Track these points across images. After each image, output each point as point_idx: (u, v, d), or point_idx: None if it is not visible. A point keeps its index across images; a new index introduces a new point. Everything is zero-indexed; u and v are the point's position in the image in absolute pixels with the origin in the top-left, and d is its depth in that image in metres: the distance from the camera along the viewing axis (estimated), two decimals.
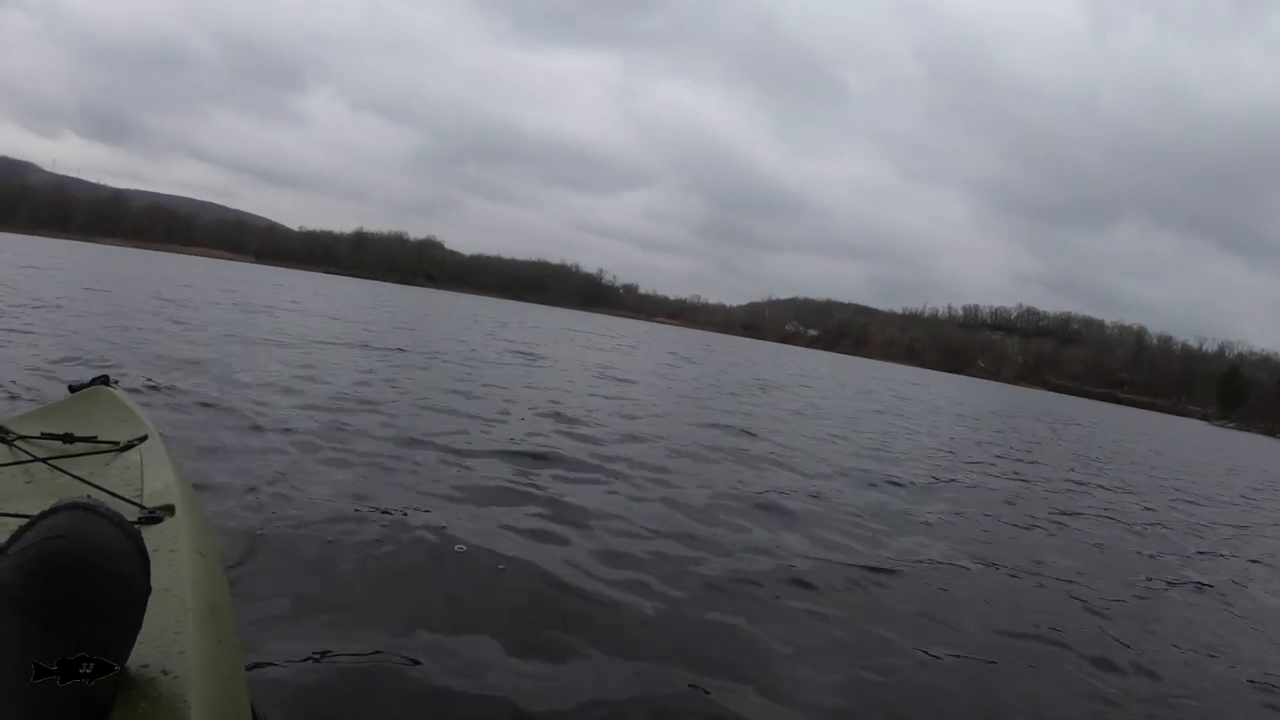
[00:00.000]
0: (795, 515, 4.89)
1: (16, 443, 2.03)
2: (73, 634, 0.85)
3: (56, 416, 2.48)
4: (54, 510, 0.89)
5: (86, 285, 18.23)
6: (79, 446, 2.07)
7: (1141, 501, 8.58)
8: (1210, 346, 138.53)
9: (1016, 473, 9.18)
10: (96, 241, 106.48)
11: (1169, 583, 4.85)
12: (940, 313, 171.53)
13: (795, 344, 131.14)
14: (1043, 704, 2.77)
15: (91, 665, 0.85)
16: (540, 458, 5.34)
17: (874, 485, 6.50)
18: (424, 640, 2.44)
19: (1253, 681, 3.37)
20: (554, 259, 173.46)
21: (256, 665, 2.10)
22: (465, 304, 56.14)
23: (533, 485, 4.54)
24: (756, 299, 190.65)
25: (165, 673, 0.98)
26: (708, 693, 2.41)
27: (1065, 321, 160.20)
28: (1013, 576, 4.35)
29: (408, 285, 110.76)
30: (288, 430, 5.06)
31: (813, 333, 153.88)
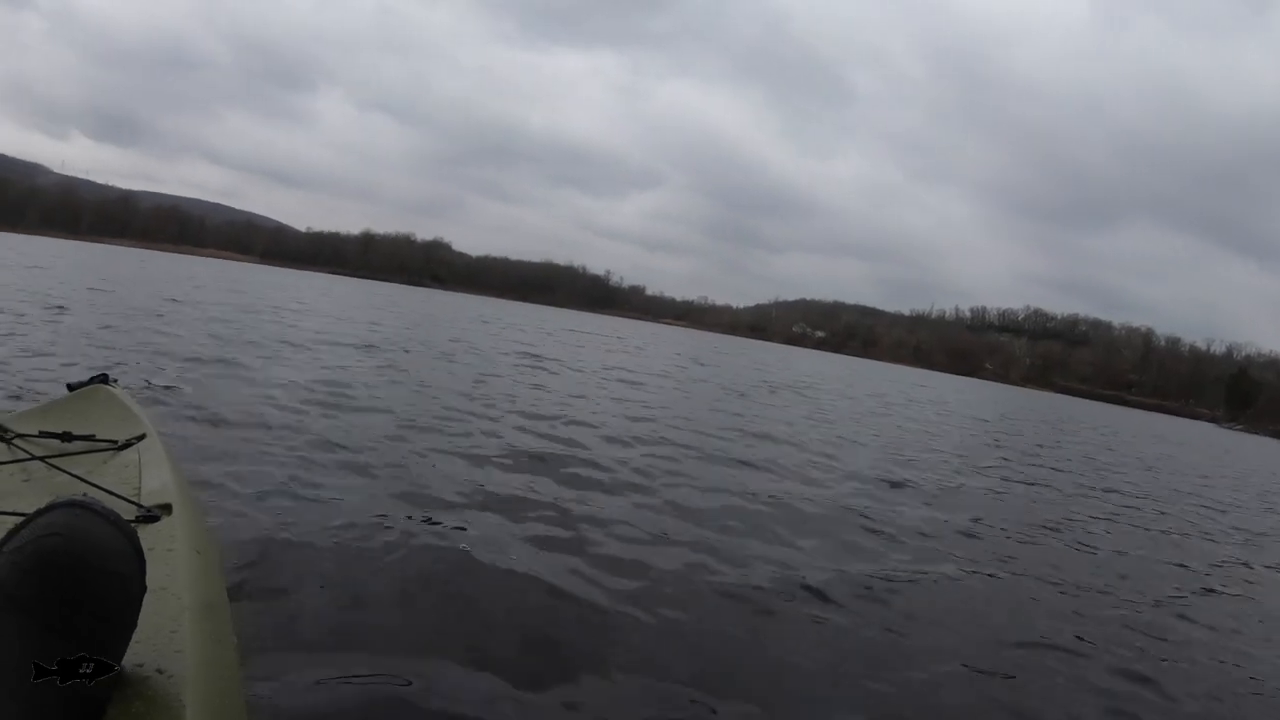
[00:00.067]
0: (806, 521, 4.83)
1: (15, 441, 2.03)
2: (68, 632, 0.84)
3: (55, 415, 2.47)
4: (49, 508, 0.89)
5: (90, 285, 18.26)
6: (77, 445, 2.06)
7: (1157, 506, 8.49)
8: (1218, 348, 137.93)
9: (1028, 477, 9.09)
10: (105, 242, 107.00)
11: (1191, 591, 4.76)
12: (948, 314, 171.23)
13: (803, 346, 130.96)
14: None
15: (88, 665, 0.85)
16: (547, 461, 5.29)
17: (887, 490, 6.43)
18: (425, 650, 2.39)
19: None
20: (561, 260, 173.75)
21: (254, 666, 2.04)
22: (472, 305, 56.23)
23: (540, 491, 4.48)
24: (763, 300, 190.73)
25: (161, 671, 0.97)
26: (714, 711, 2.33)
27: (1073, 323, 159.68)
28: (1031, 585, 4.27)
29: (415, 286, 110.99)
30: (292, 431, 5.02)
31: (820, 334, 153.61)
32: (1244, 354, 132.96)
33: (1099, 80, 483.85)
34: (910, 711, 2.54)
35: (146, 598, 0.94)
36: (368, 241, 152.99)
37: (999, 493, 7.40)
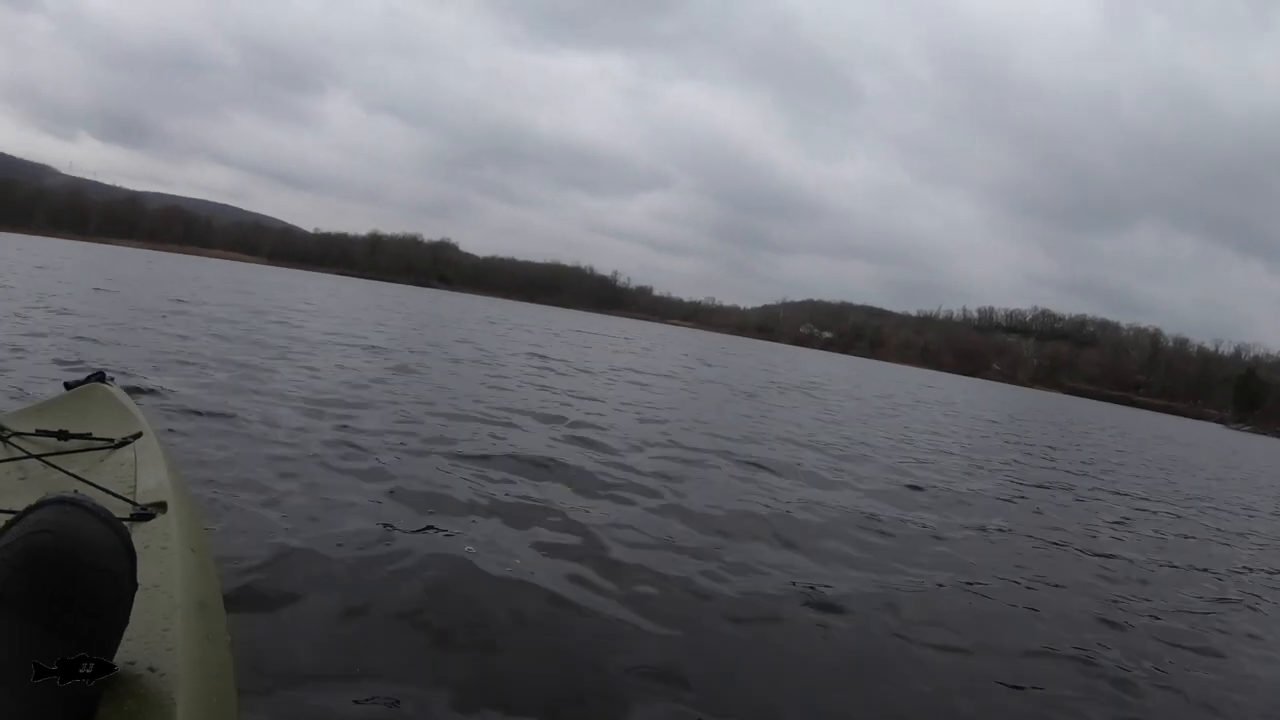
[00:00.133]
0: (815, 525, 4.77)
1: (11, 439, 2.01)
2: (58, 629, 0.84)
3: (52, 413, 2.44)
4: (39, 505, 0.88)
5: (96, 285, 18.30)
6: (73, 443, 2.04)
7: (1170, 509, 8.40)
8: (1226, 349, 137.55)
9: (1039, 481, 9.01)
10: (112, 243, 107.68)
11: (1208, 598, 4.66)
12: (955, 315, 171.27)
13: (810, 346, 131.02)
14: None
15: (83, 664, 0.84)
16: (553, 463, 5.23)
17: (897, 493, 6.37)
18: (426, 657, 2.35)
19: None
20: (568, 261, 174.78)
21: (249, 666, 1.99)
22: (479, 306, 56.32)
23: (547, 495, 4.41)
24: (771, 301, 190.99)
25: (152, 669, 0.97)
26: None
27: (1080, 324, 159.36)
28: (1044, 592, 4.19)
29: (422, 287, 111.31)
30: (296, 432, 4.98)
31: (827, 335, 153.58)
32: (1252, 355, 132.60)
33: (1106, 81, 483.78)
34: None
35: (139, 595, 0.93)
36: (375, 242, 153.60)
37: (1010, 496, 7.32)
